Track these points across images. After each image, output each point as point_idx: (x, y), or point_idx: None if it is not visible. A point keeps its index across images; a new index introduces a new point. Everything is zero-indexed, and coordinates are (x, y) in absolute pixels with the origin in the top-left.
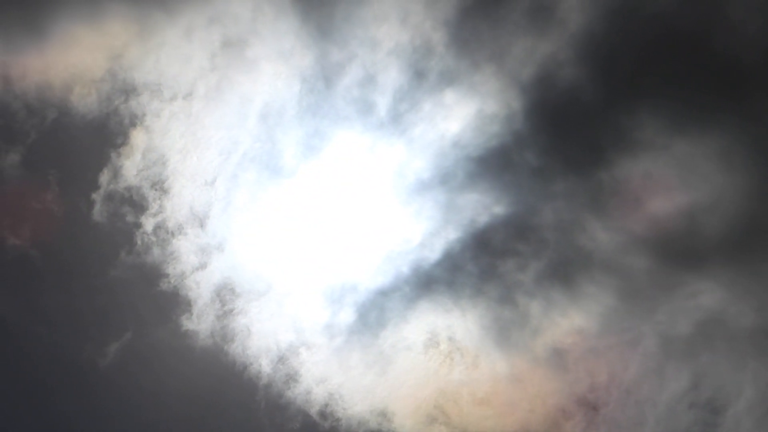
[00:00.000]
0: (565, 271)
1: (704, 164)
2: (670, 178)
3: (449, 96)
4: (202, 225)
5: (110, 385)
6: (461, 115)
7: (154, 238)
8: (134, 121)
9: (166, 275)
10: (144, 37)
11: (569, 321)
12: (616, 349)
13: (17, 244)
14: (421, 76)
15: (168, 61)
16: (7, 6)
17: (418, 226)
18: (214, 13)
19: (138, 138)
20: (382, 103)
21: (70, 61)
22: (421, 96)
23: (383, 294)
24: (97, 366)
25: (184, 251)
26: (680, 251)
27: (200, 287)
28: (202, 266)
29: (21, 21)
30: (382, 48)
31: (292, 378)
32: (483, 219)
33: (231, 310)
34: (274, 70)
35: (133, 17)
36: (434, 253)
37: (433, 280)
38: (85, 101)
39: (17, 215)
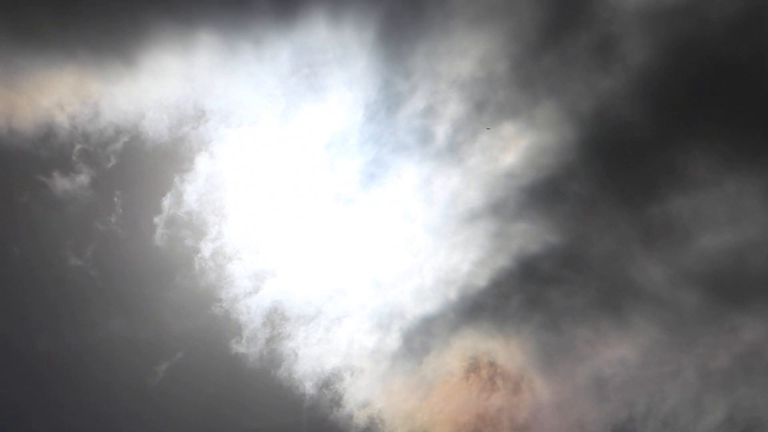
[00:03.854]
0: (612, 301)
1: (753, 202)
2: (720, 215)
3: (507, 128)
4: (258, 250)
5: (159, 402)
6: (517, 146)
7: (211, 264)
8: (200, 146)
9: (219, 299)
10: (227, 67)
11: (612, 351)
12: (656, 380)
13: (79, 264)
14: (481, 108)
15: (238, 89)
16: (105, 39)
17: (467, 254)
18: (296, 43)
19: (202, 163)
20: (441, 133)
21: (154, 90)
22: (479, 128)
23: (429, 320)
24: (146, 384)
25: (239, 276)
26: (726, 286)
27: (251, 312)
28: (255, 291)
29: (116, 52)
30: (444, 79)
31: (335, 402)
32: (533, 248)
33: (279, 334)
34: (339, 98)
35: (221, 48)
36: (482, 280)
37: (478, 307)
38: (156, 127)
39: (81, 236)
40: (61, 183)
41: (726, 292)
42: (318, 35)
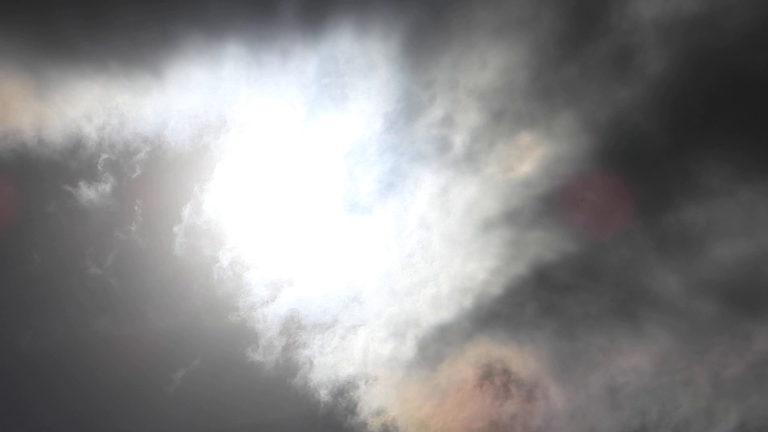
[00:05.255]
0: (626, 309)
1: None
2: (734, 224)
3: (524, 138)
4: (275, 259)
5: (174, 409)
6: (533, 155)
7: (229, 272)
8: (221, 155)
9: (236, 308)
10: (252, 77)
11: (626, 359)
12: (669, 388)
13: (98, 273)
14: (499, 118)
15: (261, 98)
16: (135, 51)
17: (483, 262)
18: (322, 54)
19: (222, 172)
20: (459, 142)
21: (179, 101)
22: (496, 137)
23: (444, 328)
24: (162, 391)
25: (256, 284)
26: (740, 295)
27: (267, 320)
28: (272, 299)
29: (146, 64)
30: (463, 89)
31: (350, 410)
32: (548, 256)
33: (295, 343)
34: (359, 108)
35: (248, 59)
36: (497, 288)
37: (493, 315)
38: (178, 136)
39: (102, 245)
40: (86, 193)
41: (740, 301)
42: (344, 47)
